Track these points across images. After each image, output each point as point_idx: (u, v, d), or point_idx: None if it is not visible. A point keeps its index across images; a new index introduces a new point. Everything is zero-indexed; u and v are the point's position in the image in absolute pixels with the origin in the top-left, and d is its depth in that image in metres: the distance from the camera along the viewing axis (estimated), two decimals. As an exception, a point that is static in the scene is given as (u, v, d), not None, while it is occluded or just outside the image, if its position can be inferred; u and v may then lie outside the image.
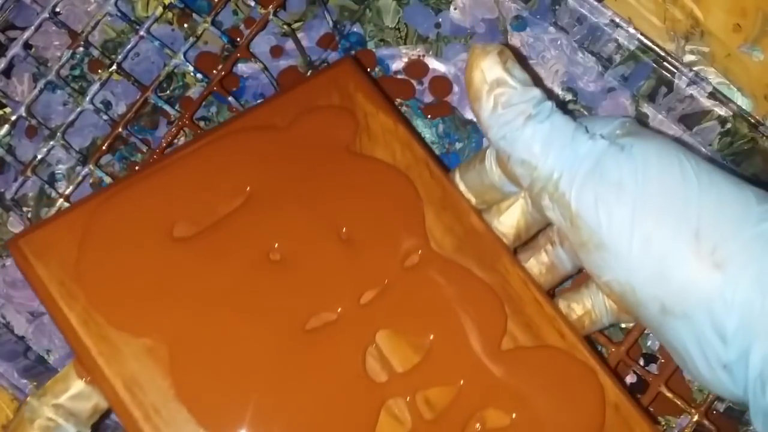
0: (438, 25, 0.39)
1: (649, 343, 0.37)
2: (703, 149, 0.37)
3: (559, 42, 0.39)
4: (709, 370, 0.26)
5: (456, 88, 0.38)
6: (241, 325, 0.28)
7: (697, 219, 0.26)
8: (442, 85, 0.38)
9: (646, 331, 0.36)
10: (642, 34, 0.35)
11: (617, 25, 0.36)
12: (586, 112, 0.38)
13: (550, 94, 0.38)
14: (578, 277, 0.34)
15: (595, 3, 0.36)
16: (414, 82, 0.38)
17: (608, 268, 0.27)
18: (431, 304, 0.29)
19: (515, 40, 0.39)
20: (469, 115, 0.38)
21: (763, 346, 0.24)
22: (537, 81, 0.37)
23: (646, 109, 0.38)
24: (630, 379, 0.36)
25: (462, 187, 0.32)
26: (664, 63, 0.35)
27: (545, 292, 0.31)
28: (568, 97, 0.38)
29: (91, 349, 0.27)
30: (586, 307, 0.31)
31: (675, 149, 0.27)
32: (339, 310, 0.28)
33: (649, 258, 0.26)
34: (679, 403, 0.34)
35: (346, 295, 0.29)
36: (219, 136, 0.31)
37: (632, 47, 0.36)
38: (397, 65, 0.39)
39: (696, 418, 0.34)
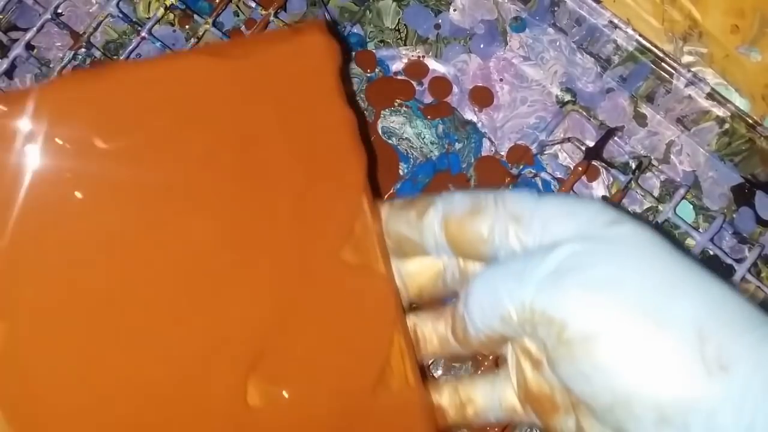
0: (438, 26, 0.39)
1: None
2: (702, 149, 0.38)
3: (558, 43, 0.39)
4: None
5: (456, 89, 0.38)
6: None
7: (699, 318, 0.23)
8: (441, 85, 0.39)
9: None
10: (640, 35, 0.36)
11: (616, 26, 0.36)
12: (585, 113, 0.38)
13: (549, 94, 0.38)
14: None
15: (594, 4, 0.36)
16: (414, 83, 0.39)
17: (600, 377, 0.24)
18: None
19: (514, 41, 0.39)
20: (468, 115, 0.38)
21: None
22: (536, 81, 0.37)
23: (645, 109, 0.38)
24: None
25: (384, 224, 0.29)
26: (663, 64, 0.36)
27: (416, 364, 0.29)
28: (567, 97, 0.38)
29: None
30: (472, 398, 0.29)
31: (666, 243, 0.25)
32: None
33: (650, 362, 0.23)
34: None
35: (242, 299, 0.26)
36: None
37: (631, 48, 0.36)
38: (397, 66, 0.39)
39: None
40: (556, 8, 0.38)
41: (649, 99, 0.38)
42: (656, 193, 0.37)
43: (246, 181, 0.26)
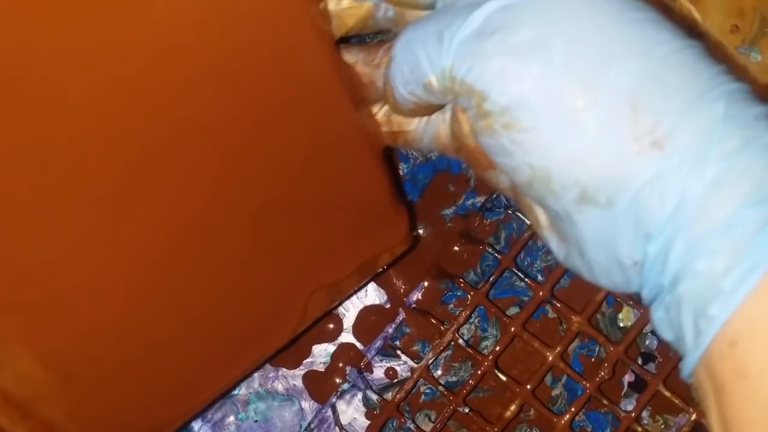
0: (438, 27, 0.39)
1: (647, 342, 0.37)
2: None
3: (558, 43, 0.39)
4: (617, 267, 0.22)
5: (455, 89, 0.38)
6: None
7: (635, 86, 0.20)
8: (441, 85, 0.39)
9: (644, 330, 0.36)
10: (640, 35, 0.36)
11: (616, 27, 0.36)
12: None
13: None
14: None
15: (594, 4, 0.36)
16: (414, 83, 0.39)
17: (520, 152, 0.21)
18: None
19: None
20: (468, 115, 0.38)
21: (691, 237, 0.20)
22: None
23: (645, 109, 0.38)
24: (629, 377, 0.37)
25: None
26: (663, 64, 0.35)
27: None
28: (567, 97, 0.38)
29: None
30: (404, 130, 0.27)
31: None
32: None
33: (576, 136, 0.21)
34: (677, 401, 0.35)
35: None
36: None
37: (631, 48, 0.36)
38: (397, 66, 0.39)
39: (694, 416, 0.35)
40: (556, 8, 0.37)
41: (649, 99, 0.38)
42: (656, 193, 0.37)
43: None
